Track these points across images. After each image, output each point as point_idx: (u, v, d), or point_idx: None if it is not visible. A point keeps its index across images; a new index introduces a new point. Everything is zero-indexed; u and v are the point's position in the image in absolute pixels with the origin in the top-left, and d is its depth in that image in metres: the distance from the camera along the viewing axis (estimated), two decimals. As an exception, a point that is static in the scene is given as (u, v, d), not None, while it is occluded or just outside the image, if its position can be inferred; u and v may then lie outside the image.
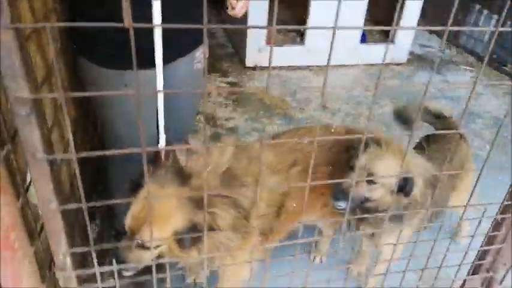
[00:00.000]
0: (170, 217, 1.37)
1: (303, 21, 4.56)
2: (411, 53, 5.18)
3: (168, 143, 1.76)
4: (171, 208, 1.38)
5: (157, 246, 1.43)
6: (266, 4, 4.16)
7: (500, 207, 1.32)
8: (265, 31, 4.39)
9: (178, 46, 1.77)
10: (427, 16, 5.97)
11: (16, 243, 0.93)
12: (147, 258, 1.44)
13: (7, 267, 0.95)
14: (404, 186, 1.69)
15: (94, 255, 1.05)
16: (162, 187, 1.40)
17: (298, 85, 4.26)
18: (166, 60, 1.72)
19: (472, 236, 1.44)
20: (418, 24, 5.06)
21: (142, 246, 1.42)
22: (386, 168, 1.70)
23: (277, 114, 3.77)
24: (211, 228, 1.40)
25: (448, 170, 2.03)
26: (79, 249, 1.04)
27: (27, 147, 0.82)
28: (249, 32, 4.32)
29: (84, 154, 0.94)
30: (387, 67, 4.88)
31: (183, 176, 1.43)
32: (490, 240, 1.41)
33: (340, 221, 2.04)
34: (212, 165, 1.45)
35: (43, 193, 0.90)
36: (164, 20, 1.52)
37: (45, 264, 1.10)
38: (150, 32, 1.56)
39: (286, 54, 4.59)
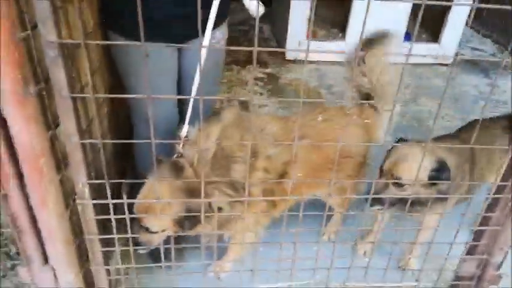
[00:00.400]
0: (166, 209, 1.56)
1: (345, 19, 4.59)
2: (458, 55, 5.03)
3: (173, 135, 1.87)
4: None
5: (163, 230, 1.65)
6: (308, 1, 4.26)
7: (493, 187, 1.34)
8: (306, 26, 4.48)
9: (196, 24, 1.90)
10: (479, 17, 5.78)
11: (44, 169, 1.12)
12: (156, 239, 1.69)
13: (36, 188, 1.15)
14: (439, 174, 1.69)
15: (108, 189, 1.23)
16: (159, 182, 1.57)
17: (335, 79, 4.31)
18: (184, 38, 1.85)
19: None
20: (468, 24, 4.90)
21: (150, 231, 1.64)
22: (411, 169, 1.71)
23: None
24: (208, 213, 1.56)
25: (483, 154, 2.03)
26: (96, 182, 1.22)
27: (55, 86, 1.01)
28: (290, 26, 4.46)
29: (102, 95, 1.12)
30: (431, 67, 4.79)
31: (176, 169, 1.61)
32: (484, 221, 1.43)
33: (349, 200, 2.10)
34: (200, 153, 1.61)
35: (67, 127, 1.08)
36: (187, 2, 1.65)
37: (71, 196, 1.30)
38: (167, 4, 1.68)
39: (327, 49, 4.64)
